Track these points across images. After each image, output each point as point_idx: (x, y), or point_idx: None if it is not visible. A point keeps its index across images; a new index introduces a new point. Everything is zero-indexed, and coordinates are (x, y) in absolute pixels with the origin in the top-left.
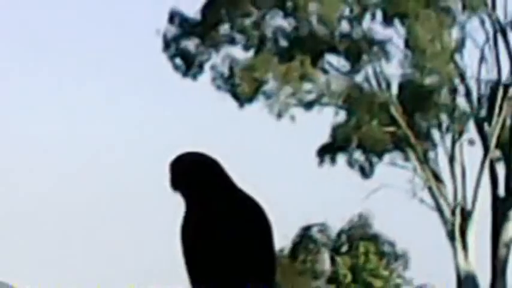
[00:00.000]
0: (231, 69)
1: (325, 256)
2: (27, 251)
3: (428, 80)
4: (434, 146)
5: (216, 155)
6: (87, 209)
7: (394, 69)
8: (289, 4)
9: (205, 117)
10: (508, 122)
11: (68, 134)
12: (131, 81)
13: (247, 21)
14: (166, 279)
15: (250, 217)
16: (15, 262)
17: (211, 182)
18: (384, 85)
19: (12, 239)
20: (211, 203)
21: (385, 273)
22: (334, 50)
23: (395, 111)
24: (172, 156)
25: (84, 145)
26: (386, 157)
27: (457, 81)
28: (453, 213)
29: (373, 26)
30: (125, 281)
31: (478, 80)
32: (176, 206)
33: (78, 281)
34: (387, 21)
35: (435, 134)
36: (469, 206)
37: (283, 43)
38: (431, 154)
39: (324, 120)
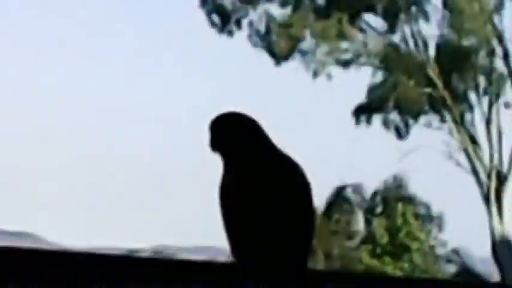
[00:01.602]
0: (267, 26)
1: (360, 217)
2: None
3: (466, 42)
4: (471, 108)
5: (251, 113)
6: (121, 163)
7: (432, 29)
8: None
9: (241, 75)
10: None
11: (103, 85)
12: (168, 38)
13: None
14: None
15: (292, 178)
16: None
17: (252, 142)
18: (421, 46)
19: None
20: (254, 163)
21: (422, 235)
22: (371, 9)
23: (433, 72)
24: (212, 116)
25: (117, 99)
26: (423, 118)
27: (495, 43)
28: (489, 176)
29: None
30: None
31: None
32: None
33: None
34: None
35: (472, 96)
36: (505, 169)
37: (321, 1)
38: (467, 116)
39: (361, 79)
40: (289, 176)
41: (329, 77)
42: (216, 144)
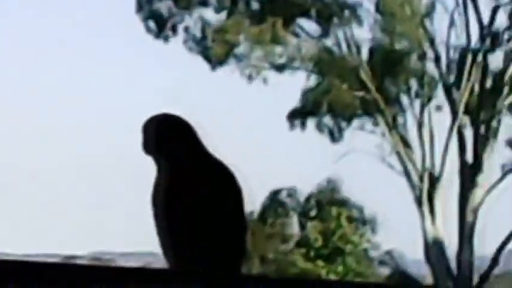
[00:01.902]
0: (203, 31)
1: (294, 220)
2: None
3: (398, 45)
4: (403, 111)
5: (187, 117)
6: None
7: (364, 33)
8: None
9: (177, 79)
10: (476, 88)
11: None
12: (105, 42)
13: None
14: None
15: (223, 182)
16: None
17: (185, 145)
18: (354, 49)
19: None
20: (186, 167)
21: (355, 238)
22: (305, 13)
23: (365, 75)
24: (146, 118)
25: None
26: (356, 122)
27: (426, 46)
28: (421, 178)
29: None
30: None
31: (447, 46)
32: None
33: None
34: None
35: (404, 99)
36: (437, 172)
37: (255, 5)
38: (400, 119)
39: (296, 83)
40: (228, 180)
41: (265, 81)
42: (151, 145)
